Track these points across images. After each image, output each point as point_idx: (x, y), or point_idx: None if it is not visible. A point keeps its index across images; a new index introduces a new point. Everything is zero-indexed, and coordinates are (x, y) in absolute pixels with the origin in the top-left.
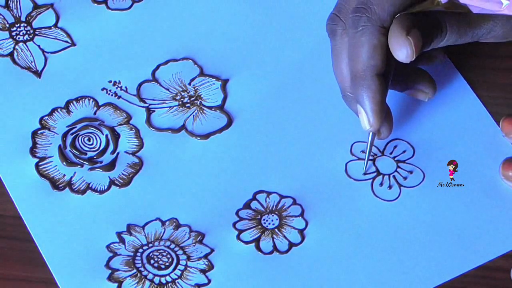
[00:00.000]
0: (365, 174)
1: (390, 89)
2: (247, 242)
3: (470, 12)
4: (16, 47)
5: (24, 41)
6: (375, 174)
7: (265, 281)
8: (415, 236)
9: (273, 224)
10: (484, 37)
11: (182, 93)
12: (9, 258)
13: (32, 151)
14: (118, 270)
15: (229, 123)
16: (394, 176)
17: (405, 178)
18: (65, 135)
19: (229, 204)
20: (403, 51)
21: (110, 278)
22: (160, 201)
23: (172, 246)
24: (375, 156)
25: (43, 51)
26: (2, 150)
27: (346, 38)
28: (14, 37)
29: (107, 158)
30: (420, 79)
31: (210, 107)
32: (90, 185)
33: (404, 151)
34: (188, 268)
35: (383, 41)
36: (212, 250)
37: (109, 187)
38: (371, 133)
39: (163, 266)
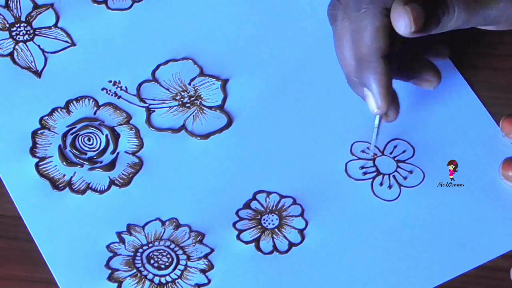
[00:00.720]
0: (373, 156)
1: (395, 79)
2: (247, 242)
3: None
4: (16, 47)
5: (24, 41)
6: (375, 174)
7: (265, 281)
8: (415, 236)
9: (273, 224)
10: (497, 20)
11: (182, 93)
12: (9, 258)
13: (32, 151)
14: (118, 270)
15: (229, 123)
16: (394, 176)
17: (405, 178)
18: (65, 135)
19: (229, 204)
20: (401, 22)
21: (110, 278)
22: (160, 201)
23: (172, 246)
24: (375, 156)
25: (43, 51)
26: (2, 150)
27: (347, 23)
28: (14, 37)
29: (107, 158)
30: (425, 68)
31: (210, 107)
32: (90, 185)
33: (404, 151)
34: (188, 268)
35: (386, 23)
36: (212, 250)
37: (109, 187)
38: (377, 116)
39: (163, 266)
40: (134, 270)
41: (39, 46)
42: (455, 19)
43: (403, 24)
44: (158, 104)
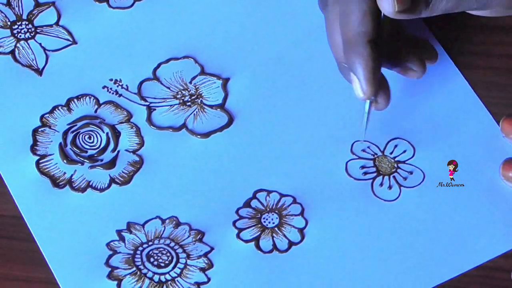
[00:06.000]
0: (364, 141)
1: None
2: (247, 241)
3: None
4: (18, 45)
5: (26, 39)
6: (375, 174)
7: (265, 280)
8: (415, 236)
9: (273, 223)
10: (489, 3)
11: (183, 92)
12: (9, 258)
13: (33, 148)
14: (118, 268)
15: (230, 121)
16: (394, 177)
17: (405, 178)
18: (65, 133)
19: (229, 203)
20: (385, 1)
21: (110, 276)
22: (160, 199)
23: (172, 244)
24: (375, 156)
25: (44, 49)
26: (3, 148)
27: (337, 8)
28: (16, 35)
29: (107, 156)
30: (410, 57)
31: (211, 106)
32: (91, 183)
33: (404, 151)
34: (188, 267)
35: (373, 7)
36: (212, 249)
37: (109, 185)
38: (367, 103)
39: (162, 264)
40: (134, 268)
41: (40, 44)
42: (445, 1)
43: (386, 2)
44: (159, 102)
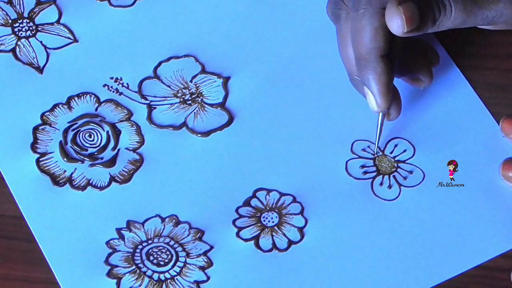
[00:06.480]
0: (374, 155)
1: None
2: (246, 240)
3: None
4: (19, 43)
5: (27, 37)
6: (375, 173)
7: (264, 279)
8: (415, 236)
9: (273, 222)
10: (495, 21)
11: (184, 90)
12: (9, 258)
13: (33, 146)
14: (117, 266)
15: (230, 120)
16: (394, 176)
17: (405, 178)
18: (66, 131)
19: (229, 202)
20: (394, 22)
21: (109, 274)
22: (160, 197)
23: (172, 243)
24: (375, 155)
25: (45, 47)
26: (3, 146)
27: (349, 22)
28: (17, 33)
29: (107, 154)
30: (418, 66)
31: (211, 105)
32: (91, 181)
33: (404, 151)
34: (187, 265)
35: (384, 23)
36: (212, 247)
37: (109, 184)
38: (380, 114)
39: (162, 263)
40: (133, 267)
41: (41, 42)
42: (452, 19)
43: (396, 24)
44: (159, 101)
